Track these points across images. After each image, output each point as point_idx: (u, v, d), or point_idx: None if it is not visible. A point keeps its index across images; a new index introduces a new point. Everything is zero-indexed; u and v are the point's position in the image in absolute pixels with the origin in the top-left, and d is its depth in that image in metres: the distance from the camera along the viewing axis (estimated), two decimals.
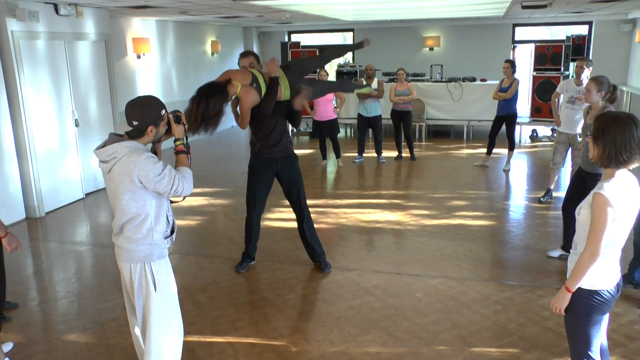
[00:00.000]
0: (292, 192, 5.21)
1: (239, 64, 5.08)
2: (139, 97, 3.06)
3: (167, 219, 3.14)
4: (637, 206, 2.73)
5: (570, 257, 2.88)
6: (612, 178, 2.67)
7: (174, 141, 3.19)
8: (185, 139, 3.23)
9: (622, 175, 2.69)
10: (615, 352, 3.87)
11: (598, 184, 2.72)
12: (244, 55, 5.10)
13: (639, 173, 2.87)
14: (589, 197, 2.70)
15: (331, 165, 10.06)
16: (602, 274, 2.73)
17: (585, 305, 2.76)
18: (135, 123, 2.96)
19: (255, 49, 16.16)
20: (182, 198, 3.22)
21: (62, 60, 7.77)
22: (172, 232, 3.20)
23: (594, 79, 5.36)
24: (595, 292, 2.74)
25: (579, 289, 2.74)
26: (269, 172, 5.14)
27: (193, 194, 8.13)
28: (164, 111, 3.05)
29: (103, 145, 3.00)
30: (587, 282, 2.73)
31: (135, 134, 3.00)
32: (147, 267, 3.06)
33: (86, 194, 8.29)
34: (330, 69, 16.39)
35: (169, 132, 3.18)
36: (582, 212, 2.75)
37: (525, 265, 5.43)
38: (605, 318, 2.94)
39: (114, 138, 3.02)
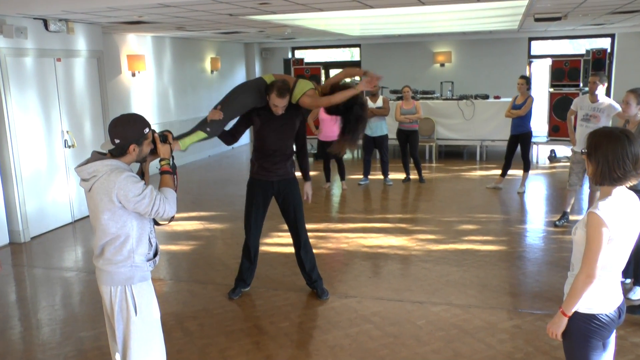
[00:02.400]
0: (289, 217, 5.29)
1: (269, 96, 4.75)
2: (122, 115, 3.19)
3: (150, 242, 3.24)
4: (637, 226, 2.79)
5: (567, 280, 2.94)
6: (608, 196, 2.74)
7: (159, 161, 3.32)
8: (171, 160, 3.35)
9: (620, 194, 2.75)
10: None
11: (594, 202, 2.80)
12: (280, 94, 4.69)
13: None
14: (585, 217, 2.77)
15: (335, 187, 10.16)
16: (600, 297, 2.78)
17: (583, 330, 2.80)
18: (117, 141, 3.08)
19: (257, 66, 16.43)
20: (168, 221, 3.32)
21: (51, 79, 7.98)
22: (155, 254, 3.30)
23: (632, 91, 5.43)
24: (593, 316, 2.79)
25: (576, 312, 2.79)
26: (265, 195, 5.23)
27: (188, 218, 8.25)
28: (147, 129, 3.16)
29: (85, 163, 3.11)
30: (584, 305, 2.78)
31: (117, 153, 3.12)
32: (127, 290, 3.15)
33: (75, 220, 8.44)
34: None
35: (155, 152, 3.31)
36: (578, 232, 2.82)
37: (537, 292, 5.46)
38: (611, 344, 2.98)
39: (96, 156, 3.14)
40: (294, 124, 5.07)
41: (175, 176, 3.35)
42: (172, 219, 3.30)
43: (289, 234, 5.43)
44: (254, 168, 5.23)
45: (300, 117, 5.09)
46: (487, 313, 5.00)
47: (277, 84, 4.71)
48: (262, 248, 6.55)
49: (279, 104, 4.75)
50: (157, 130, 3.35)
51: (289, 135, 5.10)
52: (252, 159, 5.23)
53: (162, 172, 3.29)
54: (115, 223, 3.07)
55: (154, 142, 3.26)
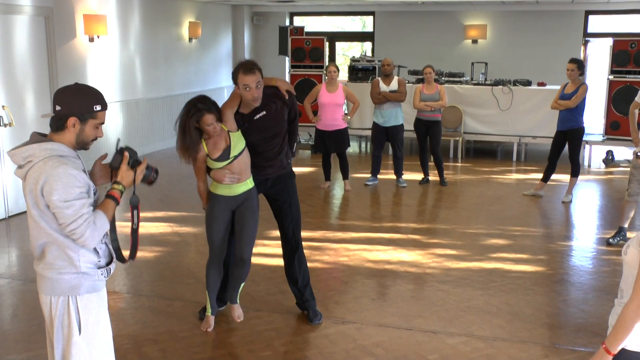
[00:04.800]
0: (285, 217, 5.31)
1: (236, 80, 4.79)
2: (76, 84, 3.21)
3: (96, 249, 3.20)
4: None
5: (613, 309, 2.95)
6: None
7: (113, 183, 3.29)
8: (133, 191, 3.33)
9: None
10: None
11: None
12: (248, 70, 4.74)
13: None
14: (639, 234, 2.78)
15: (336, 188, 10.19)
16: None
17: None
18: (57, 108, 3.10)
19: (247, 34, 16.44)
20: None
21: None
22: (109, 262, 3.30)
23: None
24: None
25: (623, 350, 2.80)
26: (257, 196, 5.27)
27: (154, 219, 8.27)
28: (99, 107, 3.15)
29: (22, 146, 3.11)
30: (634, 342, 2.79)
31: (54, 124, 3.13)
32: (71, 302, 3.14)
33: (10, 215, 8.47)
34: (344, 64, 16.62)
35: (117, 168, 3.29)
36: (630, 251, 2.83)
37: (580, 324, 5.48)
38: None
39: (36, 138, 3.14)
40: (282, 116, 5.12)
41: (137, 212, 3.34)
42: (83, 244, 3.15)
43: (275, 242, 5.47)
44: None
45: (283, 105, 5.11)
46: (517, 348, 5.02)
47: (241, 63, 4.81)
48: None
49: (249, 82, 4.71)
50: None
51: (279, 130, 5.15)
52: None
53: (108, 196, 3.23)
54: (47, 223, 3.06)
55: (120, 152, 3.26)
